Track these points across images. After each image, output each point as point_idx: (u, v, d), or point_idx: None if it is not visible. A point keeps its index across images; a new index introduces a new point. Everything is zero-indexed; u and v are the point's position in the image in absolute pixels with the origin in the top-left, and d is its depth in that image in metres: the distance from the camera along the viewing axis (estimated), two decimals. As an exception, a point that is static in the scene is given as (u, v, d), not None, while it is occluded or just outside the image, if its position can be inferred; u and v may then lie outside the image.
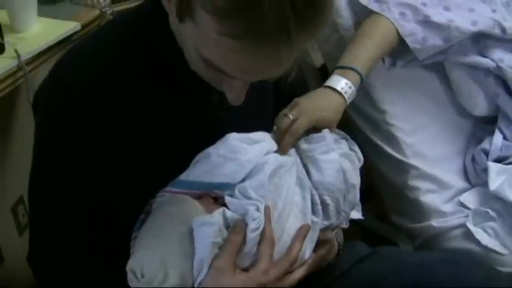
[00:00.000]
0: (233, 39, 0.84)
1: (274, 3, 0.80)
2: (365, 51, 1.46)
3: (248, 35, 0.82)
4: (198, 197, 1.05)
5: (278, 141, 1.16)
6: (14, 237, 2.05)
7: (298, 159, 1.16)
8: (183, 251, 0.98)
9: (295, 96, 1.29)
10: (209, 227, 0.97)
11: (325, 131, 1.20)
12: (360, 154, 1.24)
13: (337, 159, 1.16)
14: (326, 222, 1.14)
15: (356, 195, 1.20)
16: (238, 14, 0.81)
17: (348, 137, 1.27)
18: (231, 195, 1.04)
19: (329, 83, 1.34)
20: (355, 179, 1.20)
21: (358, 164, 1.23)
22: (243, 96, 0.99)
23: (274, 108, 1.27)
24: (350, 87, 1.34)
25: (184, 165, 1.08)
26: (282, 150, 1.15)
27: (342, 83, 1.34)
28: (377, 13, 1.55)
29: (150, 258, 0.97)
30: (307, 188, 1.11)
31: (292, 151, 1.17)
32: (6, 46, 1.53)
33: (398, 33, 1.53)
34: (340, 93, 1.32)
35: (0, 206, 1.99)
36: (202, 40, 0.89)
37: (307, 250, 1.09)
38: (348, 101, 1.34)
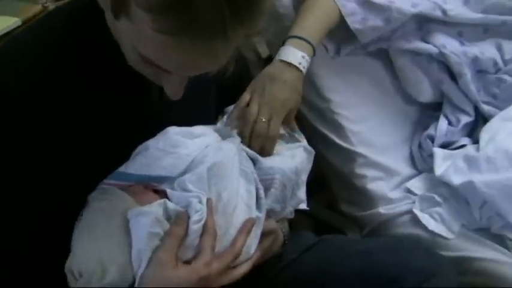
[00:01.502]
0: (168, 35, 0.83)
1: None
2: (313, 23, 1.46)
3: (183, 31, 0.82)
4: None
5: (248, 140, 1.23)
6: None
7: (243, 153, 1.16)
8: (119, 244, 0.97)
9: (241, 89, 1.29)
10: (145, 216, 0.97)
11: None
12: (310, 148, 1.26)
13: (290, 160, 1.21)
14: (275, 206, 1.14)
15: (304, 191, 1.21)
16: (172, 10, 0.80)
17: (298, 130, 1.28)
18: (171, 189, 1.04)
19: (285, 57, 1.34)
20: (305, 176, 1.22)
21: (311, 160, 1.25)
22: (182, 91, 0.98)
23: (217, 100, 1.27)
24: (307, 60, 1.35)
25: (125, 158, 1.07)
26: (267, 154, 1.20)
27: (298, 57, 1.34)
28: None
29: (86, 257, 0.96)
30: (252, 181, 1.11)
31: (236, 141, 1.17)
32: None
33: (339, 12, 1.53)
34: (299, 69, 1.33)
35: None
36: (137, 37, 0.88)
37: (252, 245, 1.09)
38: (304, 72, 1.34)
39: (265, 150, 1.23)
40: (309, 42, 1.39)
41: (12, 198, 1.04)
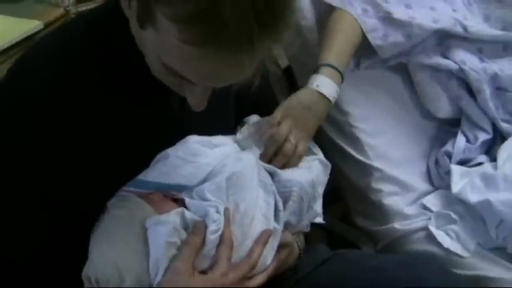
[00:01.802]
0: (194, 46, 0.83)
1: (236, 10, 0.79)
2: (343, 48, 1.48)
3: (210, 41, 0.82)
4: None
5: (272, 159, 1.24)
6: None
7: (262, 163, 1.16)
8: (137, 252, 0.97)
9: (259, 100, 1.29)
10: (163, 225, 0.97)
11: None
12: (326, 161, 1.27)
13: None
14: (292, 218, 1.14)
15: (320, 205, 1.21)
16: (199, 20, 0.80)
17: (313, 143, 1.31)
18: (189, 197, 1.04)
19: (322, 88, 1.36)
20: (321, 189, 1.22)
21: (327, 173, 1.25)
22: (205, 102, 0.98)
23: (236, 111, 1.27)
24: (337, 92, 1.38)
25: (144, 166, 1.07)
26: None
27: (333, 91, 1.37)
28: (340, 9, 1.55)
29: (104, 264, 0.96)
30: (271, 192, 1.11)
31: (256, 153, 1.17)
32: (-35, 45, 1.50)
33: (361, 29, 1.54)
34: (330, 101, 1.36)
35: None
36: (163, 47, 0.88)
37: (268, 256, 1.09)
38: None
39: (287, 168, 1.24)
40: (339, 72, 1.41)
41: (30, 204, 1.04)
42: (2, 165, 1.04)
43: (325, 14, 1.61)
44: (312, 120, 1.33)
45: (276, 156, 1.24)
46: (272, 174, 1.16)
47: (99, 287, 0.96)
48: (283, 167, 1.24)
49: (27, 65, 1.03)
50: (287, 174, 1.18)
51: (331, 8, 1.58)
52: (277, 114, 1.30)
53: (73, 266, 1.00)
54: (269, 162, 1.22)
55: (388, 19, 1.55)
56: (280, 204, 1.12)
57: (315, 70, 1.40)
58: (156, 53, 0.92)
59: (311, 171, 1.24)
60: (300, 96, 1.35)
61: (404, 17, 1.56)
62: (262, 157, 1.20)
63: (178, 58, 0.88)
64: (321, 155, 1.32)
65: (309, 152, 1.32)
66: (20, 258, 1.08)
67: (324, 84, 1.36)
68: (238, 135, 1.22)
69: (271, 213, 1.10)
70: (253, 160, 1.12)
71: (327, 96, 1.35)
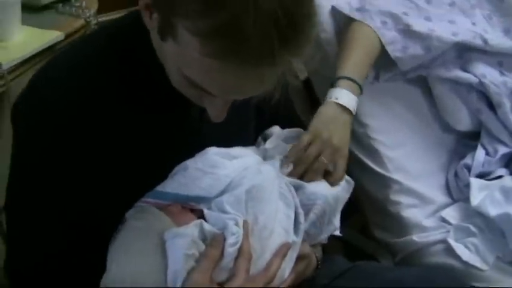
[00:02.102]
0: (216, 59, 0.83)
1: (257, 24, 0.79)
2: (361, 61, 1.48)
3: (231, 55, 0.82)
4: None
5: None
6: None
7: (285, 178, 1.16)
8: (155, 264, 0.97)
9: (279, 112, 1.29)
10: (181, 238, 0.97)
11: None
12: (349, 178, 1.27)
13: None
14: (312, 230, 1.14)
15: (338, 219, 1.22)
16: (222, 34, 0.81)
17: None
18: (208, 209, 1.04)
19: (341, 100, 1.35)
20: (341, 206, 1.21)
21: (350, 190, 1.24)
22: (225, 114, 0.99)
23: (256, 123, 1.27)
24: (357, 104, 1.37)
25: (163, 177, 1.08)
26: None
27: (353, 103, 1.36)
28: (359, 21, 1.56)
29: (122, 275, 0.96)
30: (292, 205, 1.11)
31: (276, 165, 1.17)
32: (-12, 54, 1.52)
33: (380, 41, 1.54)
34: (351, 113, 1.35)
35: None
36: (183, 59, 0.89)
37: (286, 269, 1.08)
38: None
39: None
40: (358, 84, 1.40)
41: (50, 215, 1.06)
42: (24, 175, 1.05)
43: (344, 26, 1.61)
44: (341, 133, 1.31)
45: (306, 174, 1.23)
46: (297, 188, 1.16)
47: None
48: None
49: (49, 77, 1.04)
50: (312, 186, 1.18)
51: (351, 21, 1.59)
52: (306, 136, 1.27)
53: (92, 277, 1.00)
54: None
55: (407, 32, 1.55)
56: (301, 217, 1.12)
57: (333, 83, 1.40)
58: (176, 65, 0.92)
59: (336, 186, 1.24)
60: (323, 112, 1.33)
61: (423, 29, 1.55)
62: (291, 175, 1.20)
63: (199, 71, 0.88)
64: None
65: None
66: (40, 269, 1.09)
67: (342, 96, 1.35)
68: (268, 144, 1.23)
69: (291, 226, 1.10)
70: (273, 173, 1.12)
71: (348, 107, 1.34)
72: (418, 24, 1.56)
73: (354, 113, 1.36)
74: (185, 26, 0.83)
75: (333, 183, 1.23)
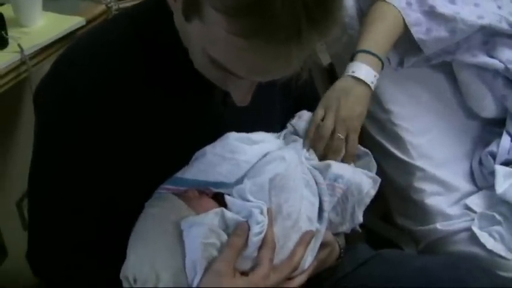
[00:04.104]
0: (243, 38, 0.82)
1: (286, 2, 0.78)
2: (383, 35, 1.46)
3: (259, 33, 0.81)
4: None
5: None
6: (18, 232, 2.04)
7: (308, 162, 1.15)
8: (172, 251, 0.97)
9: (304, 96, 1.28)
10: (198, 227, 0.96)
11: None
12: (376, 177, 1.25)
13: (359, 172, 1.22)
14: (334, 218, 1.13)
15: (361, 213, 1.21)
16: (250, 12, 0.79)
17: (370, 155, 1.30)
18: (228, 194, 1.03)
19: (359, 74, 1.33)
20: (368, 200, 1.21)
21: (376, 187, 1.24)
22: (249, 97, 0.98)
23: (281, 109, 1.26)
24: (377, 79, 1.35)
25: (185, 162, 1.07)
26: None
27: (371, 76, 1.34)
28: (384, 1, 1.53)
29: (140, 263, 0.96)
30: (316, 193, 1.10)
31: (298, 149, 1.16)
32: (10, 41, 1.52)
33: (404, 22, 1.51)
34: (370, 87, 1.33)
35: (5, 201, 1.98)
36: (209, 39, 0.87)
37: (308, 257, 1.07)
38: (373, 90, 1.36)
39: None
40: (378, 58, 1.38)
41: (73, 203, 1.05)
42: (47, 161, 1.05)
43: (368, 7, 1.59)
44: (356, 106, 1.30)
45: (327, 155, 1.23)
46: (321, 170, 1.15)
47: (137, 286, 0.96)
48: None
49: (72, 61, 1.04)
50: (335, 168, 1.16)
51: (375, 2, 1.56)
52: (319, 110, 1.28)
53: (114, 267, 1.00)
54: (322, 158, 1.22)
55: (432, 13, 1.52)
56: (326, 204, 1.11)
57: (352, 57, 1.39)
58: (201, 45, 0.90)
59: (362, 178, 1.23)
60: (337, 85, 1.33)
61: (448, 11, 1.53)
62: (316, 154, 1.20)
63: (225, 50, 0.86)
64: (374, 171, 1.29)
65: (365, 162, 1.30)
66: (62, 258, 1.09)
67: (359, 69, 1.34)
68: (289, 127, 1.22)
69: (315, 214, 1.09)
70: (296, 159, 1.11)
71: (364, 80, 1.32)
72: (443, 6, 1.53)
73: (372, 86, 1.34)
74: (212, 4, 0.82)
75: (345, 159, 1.23)
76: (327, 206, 1.11)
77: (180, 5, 0.89)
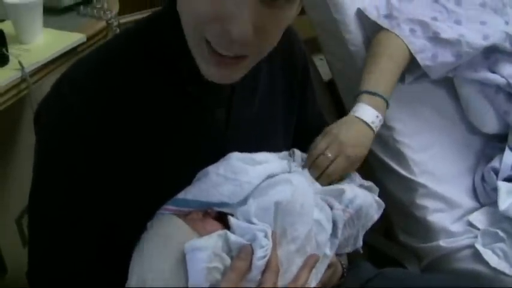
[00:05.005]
0: None
1: None
2: (387, 73, 1.47)
3: None
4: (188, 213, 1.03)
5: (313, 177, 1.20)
6: (18, 248, 2.04)
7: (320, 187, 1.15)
8: (174, 274, 0.95)
9: (308, 114, 1.27)
10: (201, 251, 0.94)
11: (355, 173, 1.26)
12: (380, 201, 1.25)
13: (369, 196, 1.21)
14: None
15: (362, 236, 1.21)
16: None
17: (373, 185, 1.28)
18: (231, 215, 1.02)
19: (360, 114, 1.33)
20: (370, 224, 1.21)
21: (380, 212, 1.23)
22: (250, 29, 0.90)
23: (284, 132, 1.25)
24: (380, 120, 1.35)
25: (187, 183, 1.06)
26: None
27: (372, 116, 1.34)
28: (387, 30, 1.54)
29: (143, 284, 0.95)
30: (331, 219, 1.09)
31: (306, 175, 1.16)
32: (11, 57, 1.51)
33: (409, 50, 1.52)
34: (371, 128, 1.33)
35: (4, 218, 1.97)
36: None
37: (313, 281, 1.06)
38: (376, 132, 1.35)
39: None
40: (382, 97, 1.39)
41: (74, 223, 1.04)
42: (47, 180, 1.04)
43: (372, 33, 1.60)
44: (352, 137, 1.29)
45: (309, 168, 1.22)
46: (336, 196, 1.15)
47: None
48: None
49: (73, 81, 1.03)
50: (352, 192, 1.16)
51: (378, 27, 1.58)
52: (319, 138, 1.27)
53: (115, 281, 0.99)
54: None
55: (436, 39, 1.54)
56: (339, 232, 1.10)
57: (355, 97, 1.39)
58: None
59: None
60: (342, 120, 1.33)
61: (453, 35, 1.54)
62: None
63: None
64: (376, 195, 1.28)
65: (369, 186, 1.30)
66: (62, 278, 1.08)
67: (363, 111, 1.34)
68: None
69: (325, 240, 1.08)
70: (304, 184, 1.10)
71: (366, 121, 1.32)
72: (447, 31, 1.55)
73: (374, 128, 1.33)
74: None
75: (319, 179, 1.21)
76: (340, 234, 1.10)
77: None
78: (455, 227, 1.56)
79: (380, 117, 1.35)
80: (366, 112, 1.34)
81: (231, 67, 0.95)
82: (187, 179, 1.06)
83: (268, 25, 0.91)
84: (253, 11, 0.88)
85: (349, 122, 1.32)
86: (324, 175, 1.20)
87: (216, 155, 1.07)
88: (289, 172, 1.13)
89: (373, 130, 1.33)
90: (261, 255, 0.95)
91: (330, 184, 1.21)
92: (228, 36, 0.89)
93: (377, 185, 1.28)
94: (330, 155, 1.21)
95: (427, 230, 1.58)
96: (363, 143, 1.30)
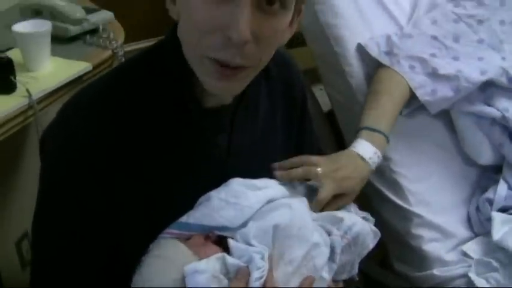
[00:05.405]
0: None
1: None
2: (388, 109, 1.50)
3: None
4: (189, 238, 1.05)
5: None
6: (16, 272, 2.06)
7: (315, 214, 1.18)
8: None
9: (305, 143, 1.30)
10: (201, 274, 0.97)
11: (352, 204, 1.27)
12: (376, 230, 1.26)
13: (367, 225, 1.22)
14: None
15: (357, 265, 1.22)
16: None
17: (369, 216, 1.29)
18: (232, 238, 1.05)
19: (358, 149, 1.35)
20: (365, 253, 1.22)
21: (375, 241, 1.25)
22: (247, 31, 0.94)
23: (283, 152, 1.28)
24: (378, 157, 1.37)
25: (188, 207, 1.08)
26: None
27: (370, 152, 1.36)
28: (387, 67, 1.58)
29: None
30: (329, 244, 1.12)
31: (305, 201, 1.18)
32: (18, 85, 1.54)
33: (409, 86, 1.56)
34: (368, 163, 1.34)
35: (4, 241, 1.99)
36: None
37: None
38: (374, 169, 1.36)
39: None
40: (382, 134, 1.42)
41: (78, 248, 1.06)
42: (51, 205, 1.06)
43: (373, 70, 1.64)
44: (348, 166, 1.30)
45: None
46: (334, 223, 1.17)
47: None
48: None
49: (79, 109, 1.05)
50: (350, 220, 1.18)
51: (379, 64, 1.62)
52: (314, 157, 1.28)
53: None
54: None
55: (435, 75, 1.58)
56: (337, 257, 1.12)
57: (356, 133, 1.42)
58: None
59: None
60: (338, 154, 1.34)
61: (451, 71, 1.58)
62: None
63: None
64: (372, 224, 1.30)
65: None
66: None
67: (362, 147, 1.36)
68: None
69: (322, 262, 1.10)
70: (304, 209, 1.13)
71: (365, 159, 1.34)
72: (445, 66, 1.59)
73: (371, 164, 1.35)
74: None
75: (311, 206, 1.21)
76: (337, 258, 1.12)
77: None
78: (450, 257, 1.58)
79: (378, 153, 1.37)
80: (365, 148, 1.36)
81: (231, 78, 0.99)
82: (189, 203, 1.08)
83: (265, 32, 0.96)
84: (249, 16, 0.93)
85: (347, 155, 1.34)
86: (316, 202, 1.21)
87: (217, 180, 1.10)
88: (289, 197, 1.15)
89: (371, 167, 1.35)
90: (257, 276, 0.98)
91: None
92: (229, 43, 0.94)
93: (373, 214, 1.30)
94: (318, 169, 1.22)
95: (422, 259, 1.60)
96: (359, 176, 1.31)
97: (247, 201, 1.08)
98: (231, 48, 0.94)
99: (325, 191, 1.21)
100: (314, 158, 1.25)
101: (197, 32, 0.96)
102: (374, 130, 1.42)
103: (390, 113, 1.49)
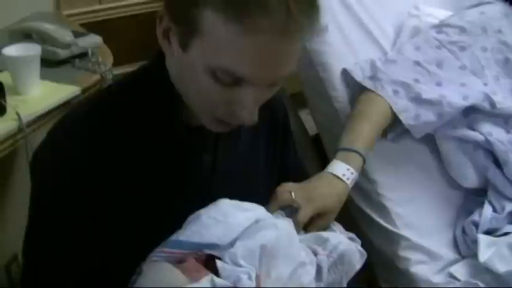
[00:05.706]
0: (238, 23, 0.89)
1: None
2: (365, 131, 1.50)
3: (251, 12, 0.88)
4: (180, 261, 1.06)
5: None
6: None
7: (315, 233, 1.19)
8: None
9: (288, 163, 1.31)
10: None
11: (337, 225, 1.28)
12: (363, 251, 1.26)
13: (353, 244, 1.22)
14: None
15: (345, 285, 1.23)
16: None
17: (355, 237, 1.30)
18: (220, 258, 1.06)
19: (331, 169, 1.36)
20: (352, 274, 1.23)
21: (362, 262, 1.26)
22: (256, 113, 1.01)
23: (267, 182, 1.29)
24: (352, 173, 1.36)
25: (174, 225, 1.09)
26: None
27: (343, 170, 1.36)
28: (371, 91, 1.60)
29: None
30: (314, 263, 1.13)
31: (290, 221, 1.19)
32: (8, 108, 1.55)
33: (392, 110, 1.57)
34: (342, 180, 1.34)
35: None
36: (211, 48, 0.93)
37: None
38: (351, 185, 1.36)
39: None
40: (356, 152, 1.42)
41: (69, 264, 1.07)
42: (44, 224, 1.07)
43: (356, 93, 1.66)
44: (323, 187, 1.30)
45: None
46: (320, 243, 1.18)
47: None
48: None
49: (68, 129, 1.08)
50: (336, 239, 1.19)
51: (362, 87, 1.63)
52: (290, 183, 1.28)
53: None
54: None
55: (418, 99, 1.60)
56: (324, 276, 1.13)
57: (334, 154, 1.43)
58: (204, 65, 0.95)
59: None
60: (312, 178, 1.34)
61: (434, 96, 1.60)
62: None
63: (228, 50, 0.92)
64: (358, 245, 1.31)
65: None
66: None
67: (337, 167, 1.36)
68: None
69: (308, 282, 1.11)
70: (290, 229, 1.14)
71: (337, 175, 1.34)
72: (428, 91, 1.61)
73: (346, 180, 1.35)
74: (207, 9, 0.90)
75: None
76: (325, 277, 1.13)
77: (176, 40, 0.97)
78: (437, 279, 1.58)
79: (351, 170, 1.36)
80: (337, 166, 1.36)
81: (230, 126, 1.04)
82: (176, 221, 1.09)
83: (267, 98, 1.02)
84: (259, 95, 0.99)
85: (320, 176, 1.34)
86: (297, 223, 1.20)
87: (203, 198, 1.11)
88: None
89: (346, 183, 1.34)
90: None
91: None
92: (234, 114, 0.99)
93: (360, 237, 1.30)
94: (292, 194, 1.22)
95: (409, 281, 1.60)
96: (335, 193, 1.32)
97: (235, 219, 1.09)
98: (235, 118, 1.00)
99: (303, 211, 1.22)
100: (287, 185, 1.26)
101: (202, 98, 1.01)
102: (349, 150, 1.42)
103: (366, 133, 1.50)
